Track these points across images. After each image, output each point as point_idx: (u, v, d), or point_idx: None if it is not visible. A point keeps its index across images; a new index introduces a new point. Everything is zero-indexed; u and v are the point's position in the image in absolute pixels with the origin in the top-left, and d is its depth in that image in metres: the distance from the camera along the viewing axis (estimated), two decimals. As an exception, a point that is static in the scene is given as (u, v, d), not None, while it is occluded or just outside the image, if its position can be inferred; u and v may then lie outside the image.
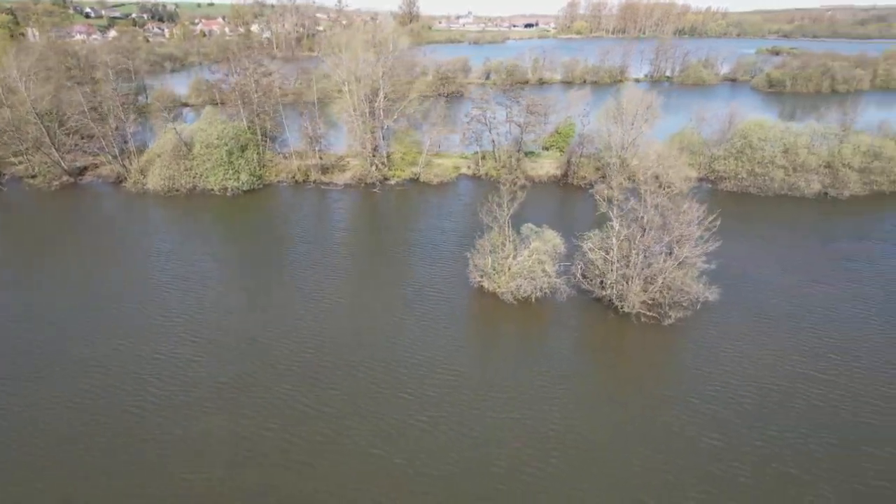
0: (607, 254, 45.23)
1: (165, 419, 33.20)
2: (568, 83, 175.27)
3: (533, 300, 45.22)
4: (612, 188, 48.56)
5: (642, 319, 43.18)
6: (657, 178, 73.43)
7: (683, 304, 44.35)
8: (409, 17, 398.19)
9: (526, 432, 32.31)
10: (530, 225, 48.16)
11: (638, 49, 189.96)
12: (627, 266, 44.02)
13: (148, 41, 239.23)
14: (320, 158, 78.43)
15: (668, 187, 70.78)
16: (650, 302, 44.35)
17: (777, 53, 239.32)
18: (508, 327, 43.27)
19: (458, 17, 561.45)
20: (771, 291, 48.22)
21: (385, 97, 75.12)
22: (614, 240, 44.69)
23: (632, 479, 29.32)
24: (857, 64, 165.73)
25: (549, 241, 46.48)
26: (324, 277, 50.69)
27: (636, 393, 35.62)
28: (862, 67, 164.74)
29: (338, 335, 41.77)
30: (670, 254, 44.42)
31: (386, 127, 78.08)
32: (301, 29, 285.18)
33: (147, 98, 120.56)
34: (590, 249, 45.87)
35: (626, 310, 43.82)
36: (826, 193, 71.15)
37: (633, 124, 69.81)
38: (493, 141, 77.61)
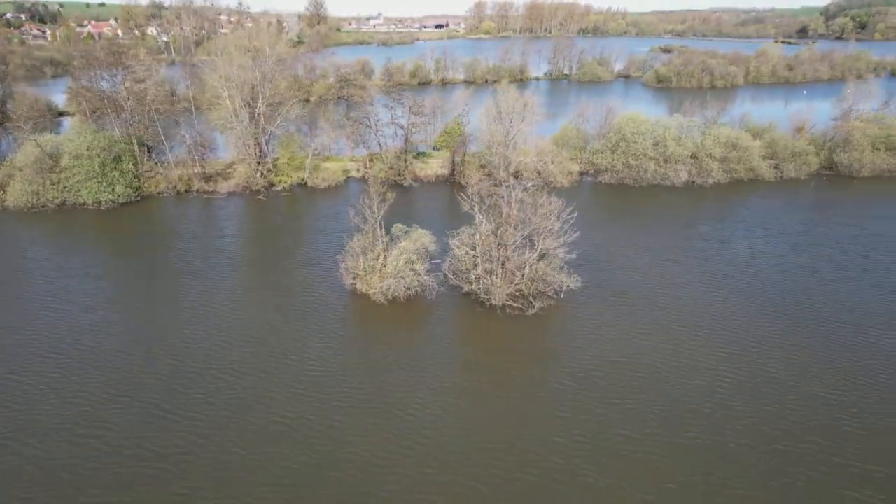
0: (473, 250, 46.51)
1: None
2: (470, 83, 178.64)
3: (403, 299, 45.80)
4: (481, 186, 49.84)
5: (507, 311, 44.71)
6: (539, 173, 76.65)
7: (548, 293, 46.48)
8: (316, 19, 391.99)
9: (385, 422, 32.70)
10: (399, 225, 48.76)
11: (536, 48, 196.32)
12: (491, 261, 45.46)
13: (24, 44, 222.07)
14: (202, 167, 75.75)
15: (547, 183, 74.00)
16: (517, 294, 46.02)
17: (668, 51, 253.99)
18: (375, 326, 43.63)
19: (367, 19, 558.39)
20: (633, 274, 51.23)
21: (265, 102, 73.58)
22: (479, 236, 46.02)
23: (482, 456, 30.27)
24: (731, 61, 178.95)
25: (417, 240, 47.22)
26: (200, 286, 49.15)
27: (496, 380, 36.86)
28: (736, 65, 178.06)
29: (206, 342, 40.64)
30: (532, 247, 46.34)
31: (270, 133, 76.50)
32: (202, 32, 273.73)
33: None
34: (456, 246, 47.02)
35: (493, 302, 45.24)
36: (693, 182, 76.50)
37: (511, 122, 72.01)
38: (380, 143, 77.91)
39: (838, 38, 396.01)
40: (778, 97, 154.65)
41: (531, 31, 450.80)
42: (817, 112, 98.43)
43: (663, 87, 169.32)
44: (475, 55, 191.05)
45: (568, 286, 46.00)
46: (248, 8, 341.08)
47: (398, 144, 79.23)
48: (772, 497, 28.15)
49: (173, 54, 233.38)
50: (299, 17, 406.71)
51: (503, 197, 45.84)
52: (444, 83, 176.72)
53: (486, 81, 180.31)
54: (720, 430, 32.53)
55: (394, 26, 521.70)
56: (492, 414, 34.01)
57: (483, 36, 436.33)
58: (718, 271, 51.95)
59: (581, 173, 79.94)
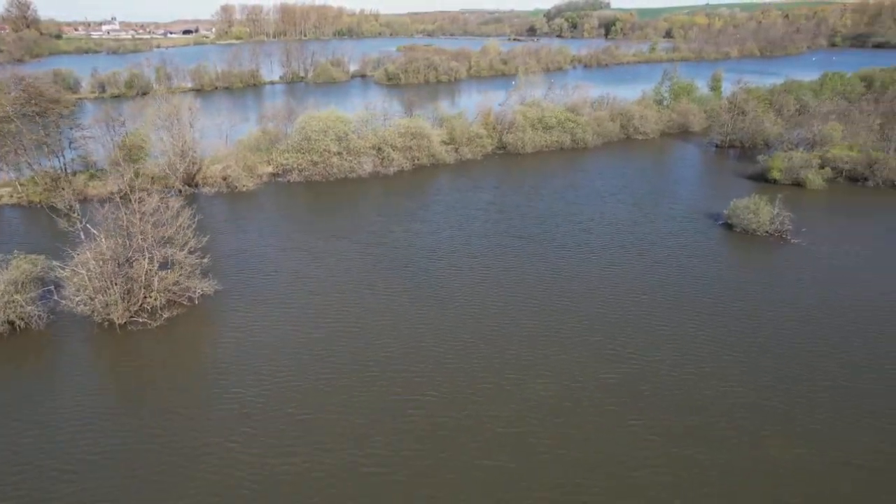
0: (85, 269, 43.07)
1: None
2: (198, 90, 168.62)
3: (6, 334, 40.72)
4: (73, 200, 46.35)
5: (129, 328, 42.31)
6: (225, 179, 74.72)
7: (183, 302, 45.09)
8: (23, 22, 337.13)
9: None
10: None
11: (266, 51, 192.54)
12: (105, 278, 42.56)
13: None
14: None
15: (233, 188, 72.47)
16: (147, 307, 43.79)
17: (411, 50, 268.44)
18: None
19: (100, 24, 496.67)
20: (278, 275, 51.60)
21: None
22: (88, 253, 42.77)
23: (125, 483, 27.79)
24: (454, 57, 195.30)
25: (17, 267, 42.37)
26: None
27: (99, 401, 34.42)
28: (458, 60, 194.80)
29: None
30: (152, 258, 44.45)
31: None
32: None
33: None
34: (64, 268, 43.16)
35: (117, 321, 42.42)
36: (378, 172, 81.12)
37: (178, 130, 68.86)
38: (29, 164, 68.92)
39: (559, 36, 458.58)
40: (498, 87, 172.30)
41: (284, 35, 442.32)
42: (499, 98, 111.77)
43: (393, 84, 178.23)
44: (202, 61, 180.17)
45: (203, 292, 45.20)
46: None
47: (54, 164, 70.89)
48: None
49: None
50: (1, 19, 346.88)
51: (127, 209, 43.14)
52: (171, 92, 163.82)
53: (216, 88, 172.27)
54: (316, 423, 34.35)
55: (133, 32, 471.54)
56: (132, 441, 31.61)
57: (234, 41, 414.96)
58: (366, 266, 55.35)
59: (274, 175, 79.73)
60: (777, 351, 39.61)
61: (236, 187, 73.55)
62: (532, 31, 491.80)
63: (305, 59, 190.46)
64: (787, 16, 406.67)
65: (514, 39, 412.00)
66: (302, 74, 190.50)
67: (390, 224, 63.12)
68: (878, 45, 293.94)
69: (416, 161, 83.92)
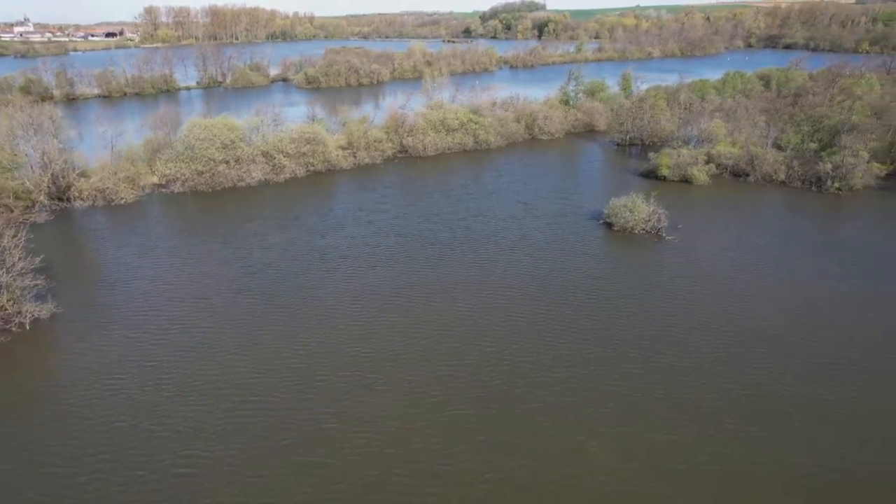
0: None
1: None
2: (105, 97, 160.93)
3: None
4: None
5: (-59, 360, 38.84)
6: (102, 192, 70.69)
7: (13, 329, 41.81)
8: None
9: None
10: None
11: (180, 55, 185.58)
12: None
13: None
14: None
15: (109, 201, 68.60)
16: (-33, 336, 40.33)
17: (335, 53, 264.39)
18: None
19: (13, 26, 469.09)
20: (129, 293, 48.69)
21: None
22: None
23: None
24: (376, 60, 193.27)
25: None
26: None
27: None
28: (381, 63, 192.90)
29: None
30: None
31: None
32: None
33: None
34: None
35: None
36: (269, 180, 78.51)
37: (38, 141, 64.58)
38: None
39: (493, 38, 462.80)
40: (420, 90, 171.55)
41: (216, 38, 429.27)
42: (415, 102, 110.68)
43: (313, 87, 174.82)
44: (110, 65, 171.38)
45: (35, 317, 42.09)
46: None
47: None
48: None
49: None
50: None
51: None
52: (71, 99, 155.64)
53: (125, 94, 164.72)
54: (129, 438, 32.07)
55: (49, 34, 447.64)
56: None
57: (161, 44, 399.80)
58: (228, 281, 53.15)
59: (159, 185, 75.90)
60: (605, 338, 41.35)
61: (113, 200, 69.64)
62: (468, 33, 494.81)
63: (222, 62, 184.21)
64: (708, 18, 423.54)
65: (449, 41, 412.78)
66: (219, 79, 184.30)
67: (267, 233, 60.97)
68: (787, 46, 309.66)
69: (310, 168, 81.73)
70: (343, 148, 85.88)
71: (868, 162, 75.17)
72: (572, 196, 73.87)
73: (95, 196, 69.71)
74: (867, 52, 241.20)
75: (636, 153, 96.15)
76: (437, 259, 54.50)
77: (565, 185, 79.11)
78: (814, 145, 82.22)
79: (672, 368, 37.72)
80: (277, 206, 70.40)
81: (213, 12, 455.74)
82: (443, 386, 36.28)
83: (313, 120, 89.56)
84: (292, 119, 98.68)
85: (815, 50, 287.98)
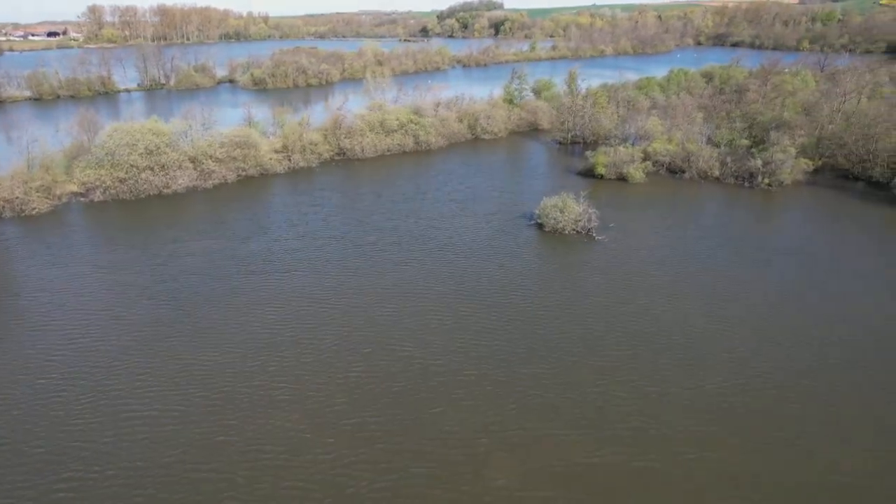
0: None
1: None
2: (36, 100, 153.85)
3: None
4: None
5: None
6: (9, 202, 66.86)
7: None
8: None
9: None
10: None
11: (118, 56, 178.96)
12: None
13: None
14: None
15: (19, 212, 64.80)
16: None
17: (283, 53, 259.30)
18: None
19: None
20: (18, 306, 46.12)
21: None
22: None
23: None
24: (325, 60, 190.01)
25: None
26: None
27: None
28: (331, 63, 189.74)
29: None
30: None
31: None
32: None
33: None
34: None
35: None
36: (196, 186, 75.52)
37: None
38: None
39: (450, 36, 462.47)
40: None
41: (165, 39, 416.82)
42: (353, 103, 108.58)
43: (259, 88, 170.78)
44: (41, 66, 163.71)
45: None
46: None
47: None
48: None
49: None
50: None
51: None
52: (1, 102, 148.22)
53: (59, 97, 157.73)
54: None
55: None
56: None
57: (106, 45, 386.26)
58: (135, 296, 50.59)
59: (78, 194, 72.12)
60: (520, 338, 41.06)
61: (24, 211, 65.83)
62: (425, 32, 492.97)
63: (164, 63, 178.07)
64: (660, 17, 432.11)
65: (406, 40, 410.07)
66: (163, 81, 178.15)
67: (188, 240, 58.44)
68: (735, 44, 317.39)
69: (241, 173, 79.03)
70: (277, 151, 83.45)
71: (796, 158, 76.69)
72: (508, 196, 73.26)
73: (2, 207, 65.73)
74: (807, 51, 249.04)
75: (578, 152, 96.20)
76: (363, 262, 53.15)
77: (502, 184, 78.50)
78: (745, 142, 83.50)
79: (587, 368, 37.26)
80: (203, 213, 67.89)
81: (162, 12, 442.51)
82: (348, 393, 35.00)
83: (249, 122, 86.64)
84: (234, 122, 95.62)
85: (759, 48, 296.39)
